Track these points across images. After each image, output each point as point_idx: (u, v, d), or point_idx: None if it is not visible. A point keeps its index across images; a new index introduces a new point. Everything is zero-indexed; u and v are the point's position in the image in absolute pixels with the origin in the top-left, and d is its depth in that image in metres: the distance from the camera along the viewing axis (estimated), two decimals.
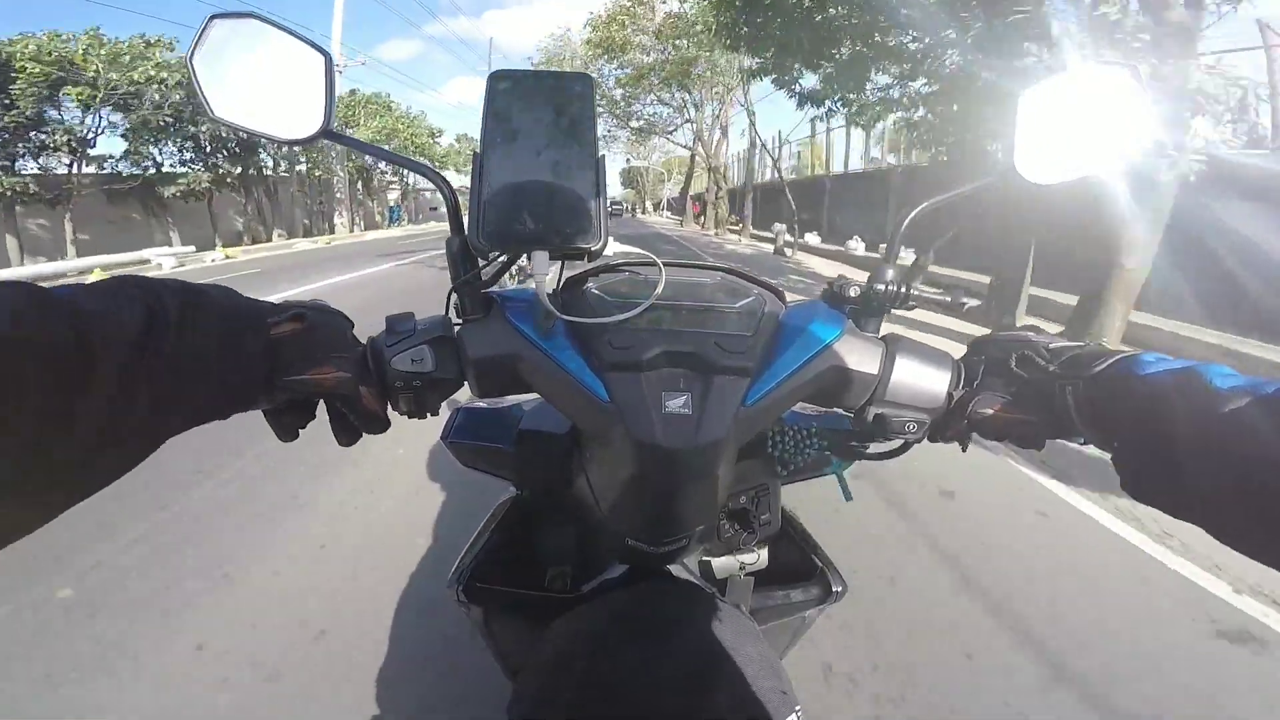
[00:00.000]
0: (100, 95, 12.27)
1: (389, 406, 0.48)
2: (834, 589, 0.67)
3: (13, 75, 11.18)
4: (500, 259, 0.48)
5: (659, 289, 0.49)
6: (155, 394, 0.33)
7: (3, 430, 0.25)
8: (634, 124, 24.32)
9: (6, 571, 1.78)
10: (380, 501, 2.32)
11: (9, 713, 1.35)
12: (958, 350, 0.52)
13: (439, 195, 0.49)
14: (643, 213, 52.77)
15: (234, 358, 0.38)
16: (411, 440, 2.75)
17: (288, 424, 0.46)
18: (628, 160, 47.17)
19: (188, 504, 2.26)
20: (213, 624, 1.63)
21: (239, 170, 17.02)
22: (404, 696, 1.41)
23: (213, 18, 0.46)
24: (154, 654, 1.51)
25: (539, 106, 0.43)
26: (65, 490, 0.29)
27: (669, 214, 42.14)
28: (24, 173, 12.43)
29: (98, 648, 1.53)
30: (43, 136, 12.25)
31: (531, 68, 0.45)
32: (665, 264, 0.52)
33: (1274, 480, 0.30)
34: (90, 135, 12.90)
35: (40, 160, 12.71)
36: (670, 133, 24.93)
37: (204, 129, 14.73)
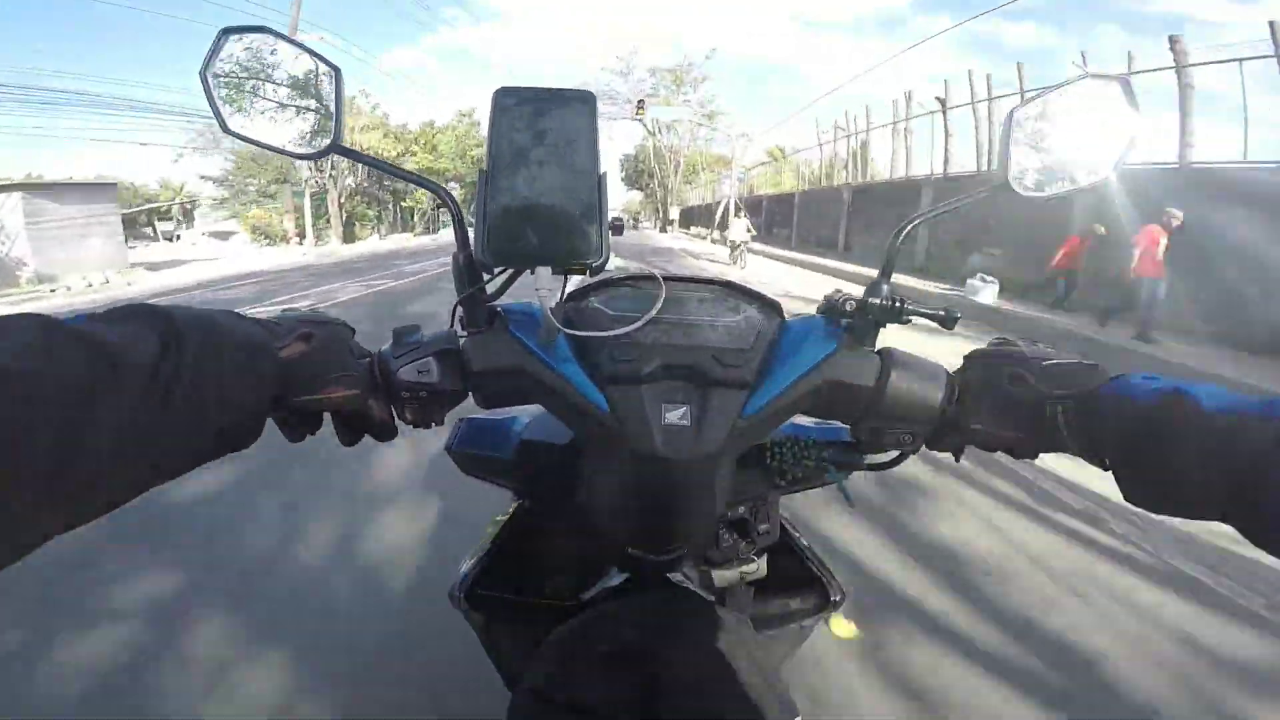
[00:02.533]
0: None
1: (395, 416, 0.49)
2: (832, 598, 0.68)
3: None
4: (504, 274, 0.49)
5: (659, 303, 0.50)
6: (167, 426, 0.32)
7: (10, 461, 0.25)
8: None
9: None
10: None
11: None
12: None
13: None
14: (662, 231, 30.62)
15: (246, 384, 0.38)
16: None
17: (296, 430, 0.47)
18: (640, 102, 24.47)
19: None
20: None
21: None
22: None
23: (225, 31, 0.47)
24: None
25: (543, 123, 0.44)
26: (63, 516, 0.29)
27: (747, 237, 13.55)
28: None
29: None
30: None
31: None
32: (665, 278, 0.53)
33: (1260, 489, 0.32)
34: None
35: None
36: None
37: None
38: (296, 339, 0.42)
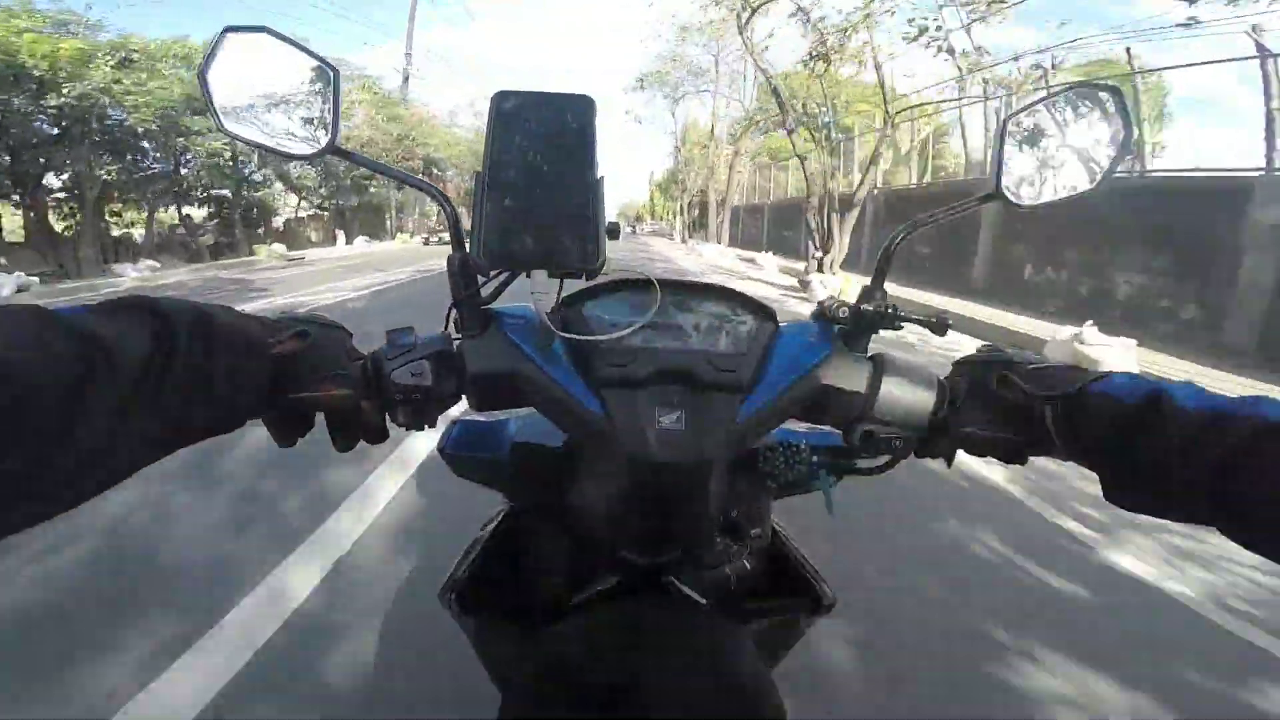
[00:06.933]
0: None
1: (388, 419, 0.49)
2: (823, 602, 0.68)
3: None
4: (500, 276, 0.49)
5: (654, 308, 0.50)
6: (158, 414, 0.33)
7: (4, 448, 0.26)
8: None
9: None
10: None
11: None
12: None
13: None
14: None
15: (238, 378, 0.38)
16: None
17: (286, 432, 0.47)
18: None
19: None
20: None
21: None
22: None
23: (226, 31, 0.47)
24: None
25: (541, 127, 0.44)
26: (51, 501, 0.30)
27: None
28: None
29: None
30: None
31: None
32: (660, 283, 0.53)
33: (1238, 483, 0.34)
34: None
35: None
36: None
37: None
38: (291, 336, 0.42)
